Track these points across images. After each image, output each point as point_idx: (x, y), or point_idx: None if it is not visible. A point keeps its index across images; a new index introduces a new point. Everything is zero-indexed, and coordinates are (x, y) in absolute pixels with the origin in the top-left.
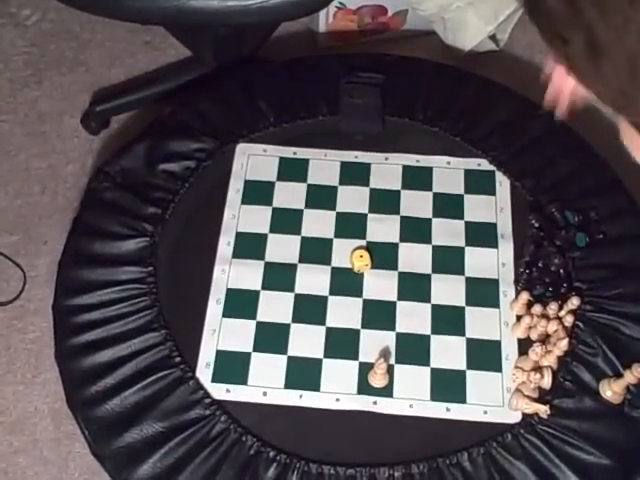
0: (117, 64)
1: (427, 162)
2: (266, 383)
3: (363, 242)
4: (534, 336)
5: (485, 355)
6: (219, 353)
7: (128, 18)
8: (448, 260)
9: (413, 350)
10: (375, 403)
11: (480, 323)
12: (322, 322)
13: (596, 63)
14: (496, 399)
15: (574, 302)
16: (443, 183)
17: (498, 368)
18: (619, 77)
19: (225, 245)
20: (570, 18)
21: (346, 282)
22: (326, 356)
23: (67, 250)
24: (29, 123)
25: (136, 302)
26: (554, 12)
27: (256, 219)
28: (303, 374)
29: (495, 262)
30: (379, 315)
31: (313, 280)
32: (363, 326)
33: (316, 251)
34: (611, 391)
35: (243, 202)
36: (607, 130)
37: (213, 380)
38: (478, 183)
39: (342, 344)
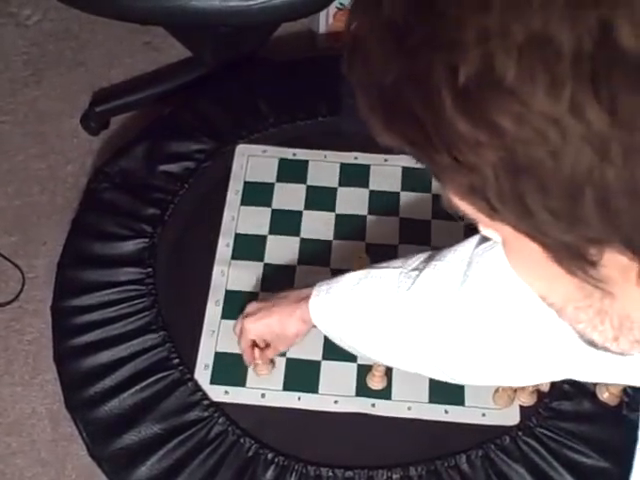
0: (117, 64)
1: None
2: (264, 385)
3: (362, 244)
4: None
5: None
6: (218, 355)
7: (128, 18)
8: None
9: None
10: (373, 405)
11: None
12: None
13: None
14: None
15: None
16: None
17: None
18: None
19: (224, 246)
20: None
21: None
22: (324, 358)
23: (66, 251)
24: (28, 123)
25: (135, 303)
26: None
27: (255, 220)
28: (301, 376)
29: None
30: None
31: (312, 282)
32: None
33: (315, 252)
34: (608, 393)
35: (242, 203)
36: None
37: (212, 382)
38: None
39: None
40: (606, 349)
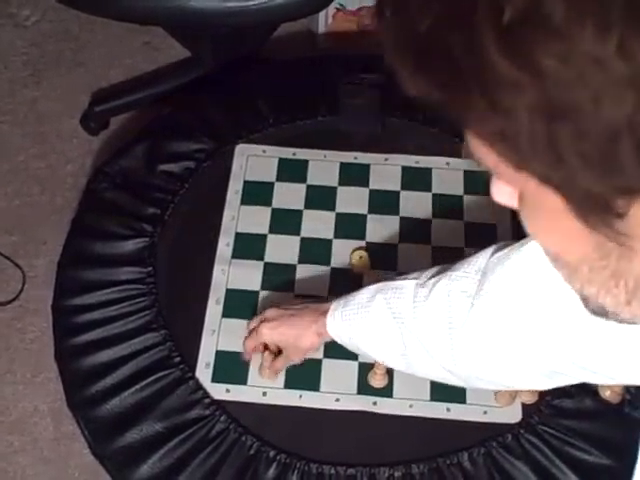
0: (116, 64)
1: (426, 163)
2: (266, 383)
3: (362, 243)
4: None
5: None
6: (219, 353)
7: (127, 18)
8: (447, 261)
9: None
10: (375, 403)
11: None
12: None
13: None
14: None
15: None
16: (442, 184)
17: None
18: None
19: (224, 246)
20: None
21: (345, 283)
22: (326, 356)
23: (66, 250)
24: (28, 123)
25: (136, 302)
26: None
27: (255, 220)
28: (303, 374)
29: None
30: None
31: (312, 281)
32: None
33: (315, 252)
34: (610, 390)
35: (242, 203)
36: None
37: (213, 380)
38: (477, 184)
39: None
40: (616, 316)
